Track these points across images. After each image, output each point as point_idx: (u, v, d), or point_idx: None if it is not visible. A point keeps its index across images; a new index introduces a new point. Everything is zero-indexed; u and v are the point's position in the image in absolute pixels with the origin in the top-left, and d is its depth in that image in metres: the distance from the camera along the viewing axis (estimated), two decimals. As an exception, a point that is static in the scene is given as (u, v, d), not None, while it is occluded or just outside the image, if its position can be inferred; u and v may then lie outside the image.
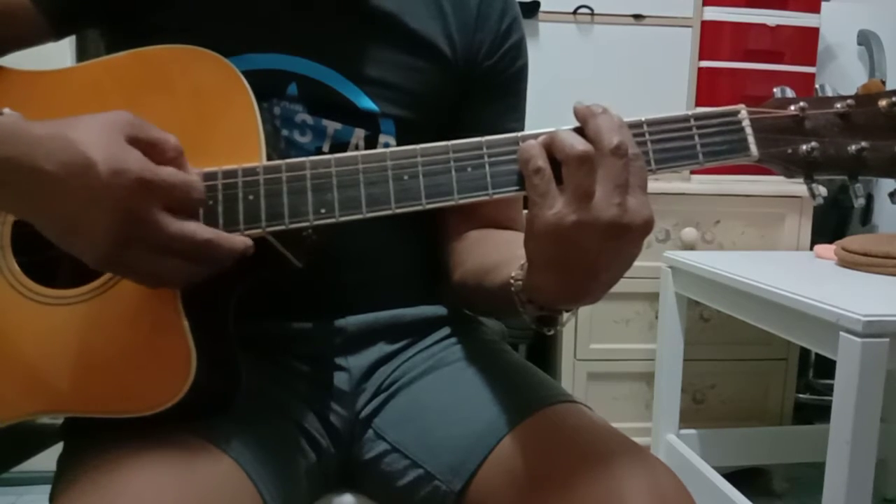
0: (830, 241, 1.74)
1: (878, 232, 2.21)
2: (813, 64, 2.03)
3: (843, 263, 1.57)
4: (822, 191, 0.61)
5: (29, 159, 0.51)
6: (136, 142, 0.55)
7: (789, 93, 0.60)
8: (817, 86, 0.61)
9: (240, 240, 0.58)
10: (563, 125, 0.59)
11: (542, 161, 0.55)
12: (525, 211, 0.57)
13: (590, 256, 0.55)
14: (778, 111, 0.60)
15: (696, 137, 0.59)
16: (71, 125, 0.53)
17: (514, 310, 0.63)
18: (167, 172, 0.55)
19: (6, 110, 0.55)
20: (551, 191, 0.54)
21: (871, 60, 2.17)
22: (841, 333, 1.13)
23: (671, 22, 2.00)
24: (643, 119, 0.59)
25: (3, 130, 0.52)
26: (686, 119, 0.59)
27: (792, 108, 0.59)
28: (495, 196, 0.59)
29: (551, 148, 0.55)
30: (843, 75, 2.28)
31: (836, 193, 2.07)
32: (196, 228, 0.56)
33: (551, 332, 0.64)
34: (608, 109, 0.56)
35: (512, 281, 0.63)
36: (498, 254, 0.73)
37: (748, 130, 0.59)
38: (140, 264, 0.55)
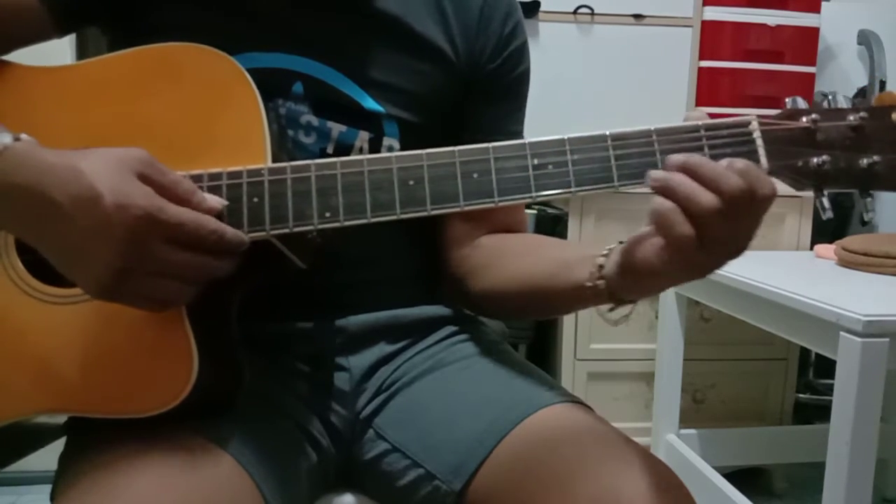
0: (830, 241, 1.74)
1: (878, 232, 2.21)
2: (813, 64, 2.04)
3: (843, 263, 1.57)
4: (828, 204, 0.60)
5: (39, 187, 0.52)
6: (146, 180, 0.55)
7: (801, 103, 0.59)
8: (829, 97, 0.60)
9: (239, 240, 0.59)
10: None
11: (687, 228, 0.54)
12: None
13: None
14: (790, 123, 0.58)
15: (707, 148, 0.58)
16: (83, 156, 0.54)
17: (576, 307, 0.70)
18: (175, 210, 0.55)
19: (23, 136, 0.55)
20: (693, 243, 0.54)
21: (871, 60, 2.17)
22: (841, 333, 1.13)
23: (671, 22, 2.00)
24: (652, 128, 0.58)
25: (18, 156, 0.53)
26: (696, 129, 0.58)
27: (804, 119, 0.58)
28: (501, 203, 0.59)
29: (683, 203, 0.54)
30: (843, 75, 2.28)
31: (837, 194, 2.06)
32: (199, 259, 0.56)
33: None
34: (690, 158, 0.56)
35: (592, 289, 0.64)
36: (541, 262, 0.74)
37: (759, 142, 0.58)
38: (139, 292, 0.56)
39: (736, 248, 0.56)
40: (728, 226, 0.54)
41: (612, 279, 0.62)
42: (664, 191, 0.54)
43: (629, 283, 0.61)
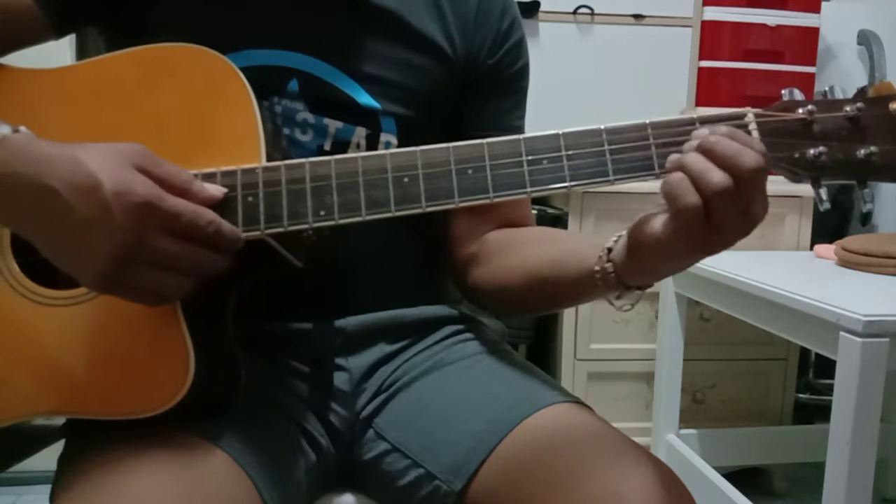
0: (830, 241, 1.74)
1: (878, 232, 2.21)
2: (813, 64, 2.04)
3: (843, 263, 1.57)
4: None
5: (37, 177, 0.52)
6: (144, 172, 0.55)
7: (797, 95, 0.59)
8: (826, 88, 0.59)
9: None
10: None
11: (695, 198, 0.54)
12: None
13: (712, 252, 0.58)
14: (785, 114, 0.58)
15: None
16: (82, 148, 0.54)
17: (583, 295, 0.69)
18: (173, 200, 0.55)
19: (22, 128, 0.56)
20: (700, 216, 0.54)
21: (871, 60, 2.17)
22: (841, 333, 1.13)
23: (671, 22, 2.00)
24: (647, 121, 0.58)
25: (16, 147, 0.54)
26: (692, 122, 0.58)
27: (800, 111, 0.58)
28: (496, 199, 0.59)
29: (693, 178, 0.54)
30: (843, 75, 2.28)
31: (837, 194, 2.07)
32: (195, 251, 0.56)
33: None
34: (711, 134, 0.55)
35: (601, 273, 0.64)
36: (548, 250, 0.74)
37: (755, 134, 0.58)
38: (137, 283, 0.56)
39: (743, 227, 0.55)
40: (737, 204, 0.54)
41: (619, 261, 0.62)
42: (678, 168, 0.55)
43: (635, 264, 0.61)
